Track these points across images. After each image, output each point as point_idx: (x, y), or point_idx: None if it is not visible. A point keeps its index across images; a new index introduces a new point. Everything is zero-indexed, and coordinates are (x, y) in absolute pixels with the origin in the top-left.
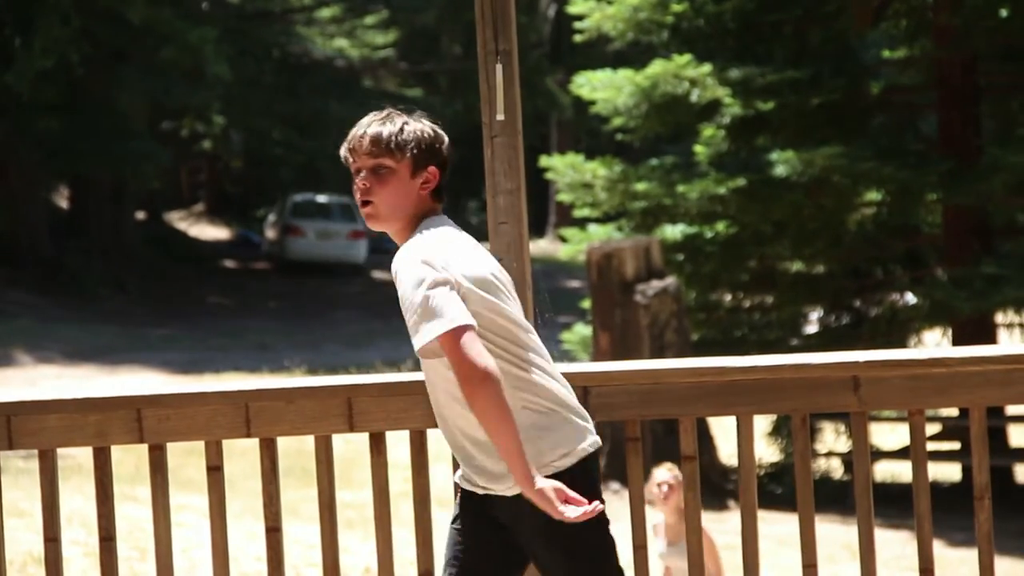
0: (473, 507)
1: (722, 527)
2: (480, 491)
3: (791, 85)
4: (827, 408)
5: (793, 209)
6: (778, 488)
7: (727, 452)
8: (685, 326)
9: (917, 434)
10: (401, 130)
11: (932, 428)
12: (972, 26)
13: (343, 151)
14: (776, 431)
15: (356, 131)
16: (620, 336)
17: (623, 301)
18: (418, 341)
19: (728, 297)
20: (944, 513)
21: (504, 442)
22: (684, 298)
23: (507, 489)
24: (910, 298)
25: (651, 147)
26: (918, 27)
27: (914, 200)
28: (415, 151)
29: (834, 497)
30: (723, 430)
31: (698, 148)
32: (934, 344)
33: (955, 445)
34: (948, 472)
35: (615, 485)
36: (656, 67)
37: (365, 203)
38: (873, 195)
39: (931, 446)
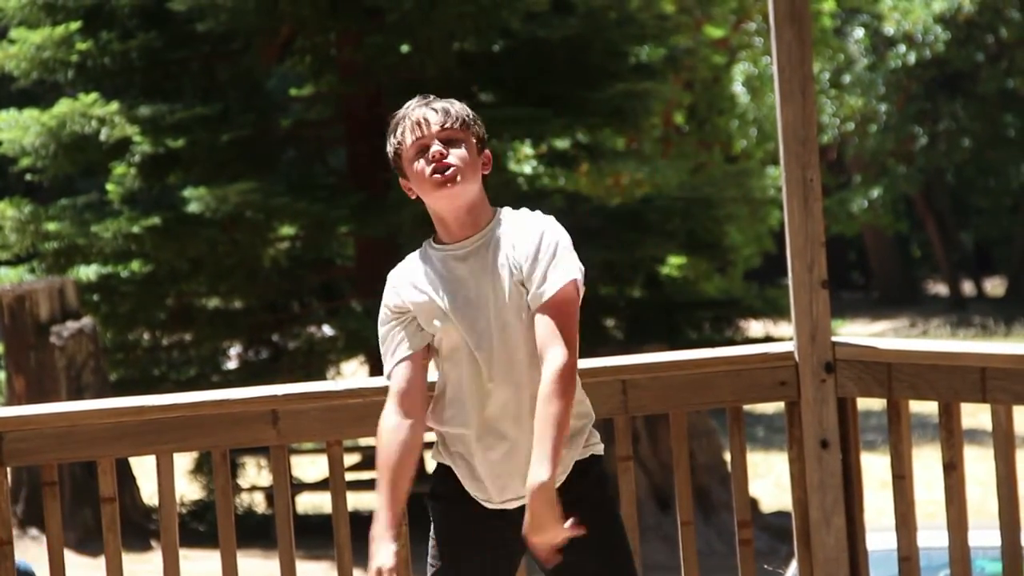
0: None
1: (146, 568)
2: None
3: (201, 121)
4: (248, 443)
5: (208, 245)
6: (202, 525)
7: (149, 492)
8: (103, 367)
9: (335, 464)
10: (465, 108)
11: (354, 458)
12: (374, 62)
13: (401, 139)
14: (198, 468)
15: (414, 113)
16: (36, 379)
17: (38, 343)
18: (562, 278)
19: (146, 336)
20: (364, 541)
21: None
22: (101, 338)
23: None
24: (328, 330)
25: (64, 186)
26: (323, 64)
27: (327, 233)
28: (479, 129)
29: (260, 531)
30: (145, 469)
31: (110, 187)
32: (351, 375)
33: (375, 474)
34: (368, 501)
35: (34, 531)
36: (63, 106)
37: (444, 169)
38: (287, 229)
39: (351, 476)
